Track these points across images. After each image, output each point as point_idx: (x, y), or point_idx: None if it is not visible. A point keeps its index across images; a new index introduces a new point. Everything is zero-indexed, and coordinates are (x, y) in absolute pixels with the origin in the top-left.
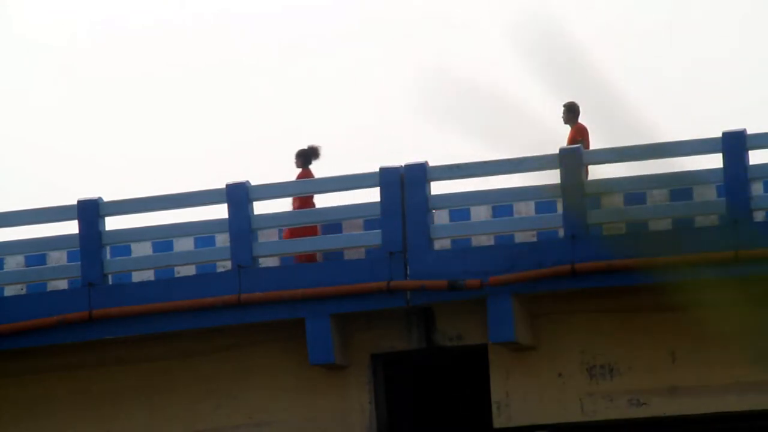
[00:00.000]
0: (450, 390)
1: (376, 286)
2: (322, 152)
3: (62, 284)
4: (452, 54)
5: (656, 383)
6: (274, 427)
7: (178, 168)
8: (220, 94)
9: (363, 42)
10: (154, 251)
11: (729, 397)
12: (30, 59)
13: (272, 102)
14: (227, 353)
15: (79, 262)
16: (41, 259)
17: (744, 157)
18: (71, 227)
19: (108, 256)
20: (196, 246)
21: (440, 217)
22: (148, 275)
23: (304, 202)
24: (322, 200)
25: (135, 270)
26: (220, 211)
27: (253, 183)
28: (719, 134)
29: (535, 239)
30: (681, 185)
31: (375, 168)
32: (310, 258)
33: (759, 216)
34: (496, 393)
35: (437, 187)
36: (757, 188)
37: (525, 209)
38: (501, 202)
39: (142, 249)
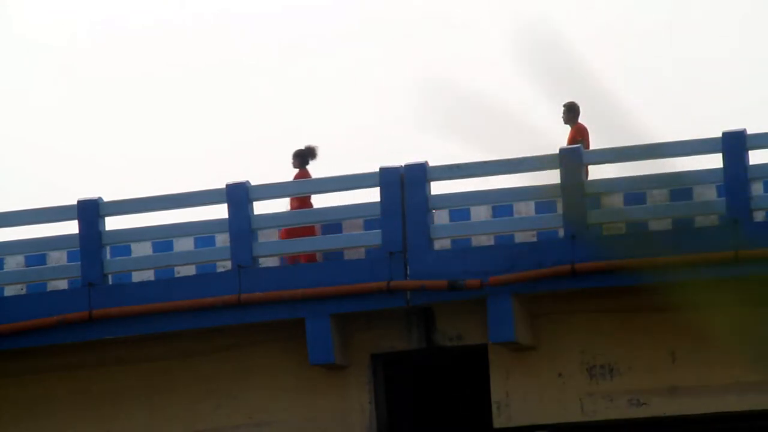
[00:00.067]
0: (450, 390)
1: (376, 286)
2: (319, 152)
3: (62, 284)
4: (451, 54)
5: (656, 383)
6: (274, 427)
7: (178, 168)
8: (220, 94)
9: (363, 42)
10: (154, 251)
11: (729, 397)
12: (30, 59)
13: (272, 102)
14: (227, 353)
15: (79, 262)
16: (41, 259)
17: (744, 157)
18: (71, 227)
19: (108, 256)
20: (196, 246)
21: (440, 217)
22: (148, 275)
23: (302, 202)
24: (322, 200)
25: (135, 270)
26: (220, 211)
27: (253, 183)
28: (719, 134)
29: (535, 239)
30: (681, 185)
31: (375, 168)
32: (307, 258)
33: (759, 216)
34: (496, 393)
35: (437, 187)
36: (757, 188)
37: (525, 209)
38: (501, 202)
39: (142, 249)
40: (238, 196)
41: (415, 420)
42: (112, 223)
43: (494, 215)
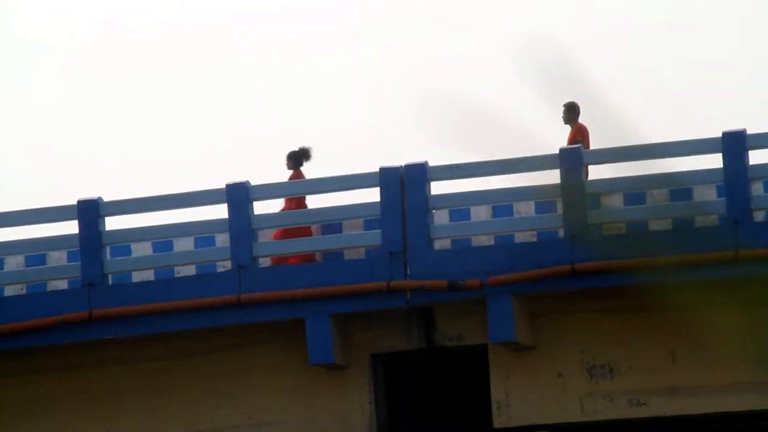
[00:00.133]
0: (450, 390)
1: (376, 286)
2: (314, 154)
3: (62, 284)
4: (451, 55)
5: (656, 383)
6: (274, 427)
7: (178, 168)
8: (220, 94)
9: (363, 42)
10: (154, 251)
11: (729, 397)
12: (30, 59)
13: (272, 102)
14: (227, 353)
15: (79, 262)
16: (41, 259)
17: (744, 157)
18: (71, 227)
19: (108, 256)
20: (196, 246)
21: (440, 217)
22: (148, 275)
23: (298, 203)
24: (322, 200)
25: (135, 270)
26: (220, 211)
27: (253, 183)
28: (719, 134)
29: (535, 239)
30: (680, 185)
31: (375, 168)
32: (298, 259)
33: (759, 216)
34: (496, 393)
35: (437, 187)
36: (757, 188)
37: (525, 209)
38: (501, 202)
39: (142, 249)
40: (238, 196)
41: (415, 420)
42: (112, 223)
43: (494, 215)
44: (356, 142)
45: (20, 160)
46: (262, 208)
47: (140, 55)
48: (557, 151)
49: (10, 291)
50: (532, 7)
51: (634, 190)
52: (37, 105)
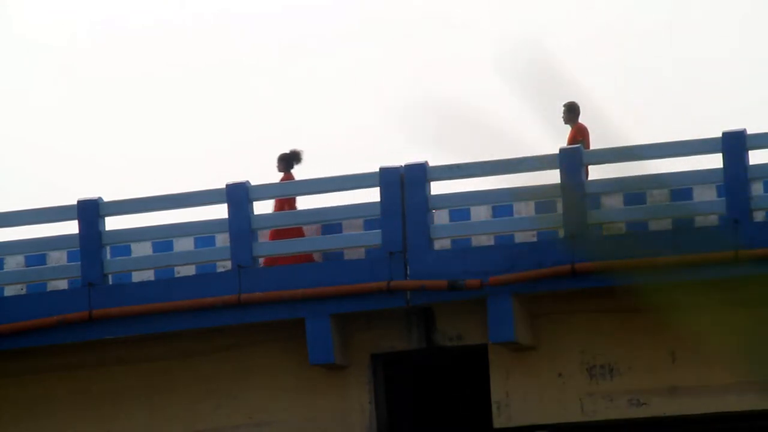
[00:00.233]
0: (450, 390)
1: (376, 286)
2: (305, 156)
3: (62, 284)
4: (452, 55)
5: (656, 383)
6: (274, 427)
7: (178, 168)
8: (220, 94)
9: (363, 42)
10: (154, 251)
11: (729, 397)
12: (30, 59)
13: (272, 102)
14: (227, 353)
15: (79, 262)
16: (41, 259)
17: (744, 157)
18: (71, 227)
19: (108, 256)
20: (196, 246)
21: (440, 217)
22: (148, 275)
23: (290, 205)
24: (322, 200)
25: (135, 270)
26: (220, 211)
27: (253, 183)
28: (719, 134)
29: (535, 239)
30: (681, 185)
31: (375, 168)
32: (290, 260)
33: (759, 216)
34: (496, 393)
35: (437, 187)
36: (757, 188)
37: (525, 209)
38: (501, 202)
39: (142, 249)
40: (238, 196)
41: (415, 420)
42: (112, 223)
43: (494, 215)
44: (356, 142)
45: (20, 160)
46: (262, 208)
47: (140, 55)
48: (557, 151)
49: (10, 291)
50: (532, 7)
51: (634, 190)
52: (37, 105)
